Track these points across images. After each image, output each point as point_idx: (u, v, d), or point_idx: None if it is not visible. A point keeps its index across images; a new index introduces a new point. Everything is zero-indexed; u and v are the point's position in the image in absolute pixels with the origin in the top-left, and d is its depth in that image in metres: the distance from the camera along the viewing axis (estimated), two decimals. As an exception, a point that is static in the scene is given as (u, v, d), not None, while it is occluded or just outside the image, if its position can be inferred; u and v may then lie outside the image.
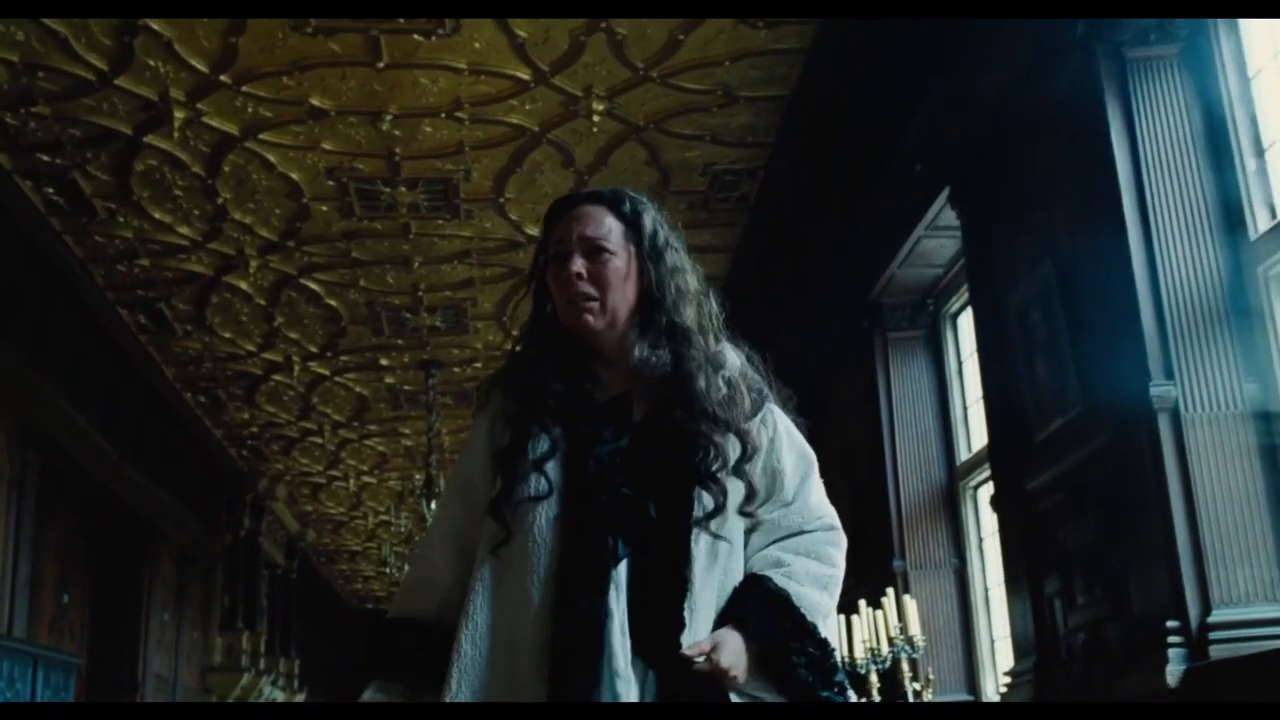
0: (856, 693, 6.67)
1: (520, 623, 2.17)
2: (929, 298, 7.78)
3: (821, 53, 7.18)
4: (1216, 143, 4.79)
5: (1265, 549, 4.38)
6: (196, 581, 15.41)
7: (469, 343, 11.29)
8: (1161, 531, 4.46)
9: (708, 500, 2.24)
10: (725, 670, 2.15)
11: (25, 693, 8.19)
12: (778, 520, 2.38)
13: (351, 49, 7.00)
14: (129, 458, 11.57)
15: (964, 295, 7.07)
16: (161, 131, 7.68)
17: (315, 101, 7.46)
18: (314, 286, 10.00)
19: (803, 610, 2.27)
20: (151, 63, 7.05)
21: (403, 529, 12.71)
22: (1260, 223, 4.63)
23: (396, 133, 7.79)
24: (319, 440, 14.38)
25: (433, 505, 11.40)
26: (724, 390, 2.31)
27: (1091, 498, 5.03)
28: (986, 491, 6.64)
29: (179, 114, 7.47)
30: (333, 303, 10.37)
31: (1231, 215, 4.71)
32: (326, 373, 12.06)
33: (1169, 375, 4.55)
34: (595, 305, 2.31)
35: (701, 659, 2.13)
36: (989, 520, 6.71)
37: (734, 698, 2.20)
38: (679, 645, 2.14)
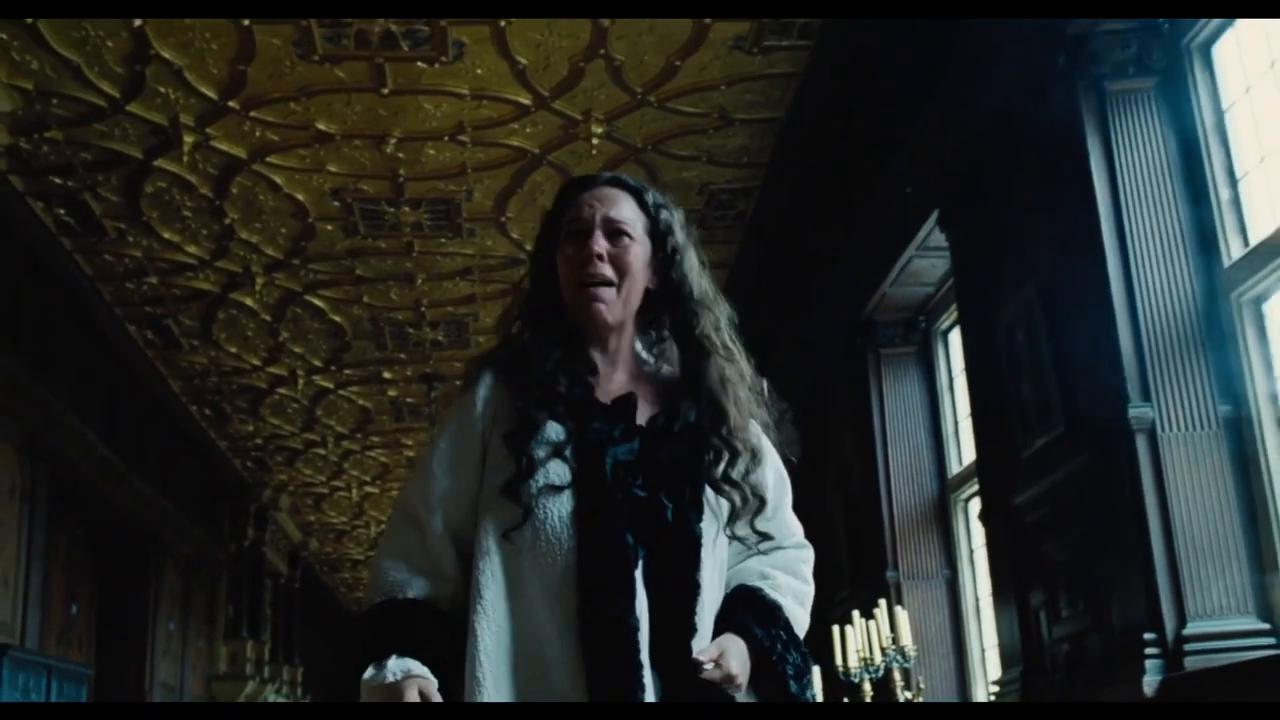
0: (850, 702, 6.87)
1: (545, 623, 2.10)
2: (921, 315, 7.96)
3: (814, 78, 7.37)
4: (1192, 172, 4.98)
5: (1238, 564, 4.57)
6: (201, 591, 15.59)
7: (470, 356, 11.49)
8: (1139, 546, 4.65)
9: (719, 506, 2.23)
10: (733, 677, 2.13)
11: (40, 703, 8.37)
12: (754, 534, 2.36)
13: (357, 76, 7.20)
14: (135, 469, 11.75)
15: (954, 313, 7.25)
16: (171, 155, 7.88)
17: (321, 126, 7.66)
18: (318, 303, 10.19)
19: (791, 622, 2.32)
20: (162, 90, 7.24)
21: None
22: (1234, 250, 4.82)
23: (400, 155, 7.99)
24: (322, 451, 14.58)
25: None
26: (738, 401, 2.29)
27: (1074, 513, 5.22)
28: (977, 504, 6.82)
29: (188, 138, 7.66)
30: (337, 318, 10.56)
31: (1206, 242, 4.90)
32: (330, 386, 12.26)
33: (1146, 396, 4.74)
34: (611, 293, 2.24)
35: (711, 665, 2.11)
36: (980, 532, 6.89)
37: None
38: (689, 650, 2.11)
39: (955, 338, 7.54)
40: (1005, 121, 5.75)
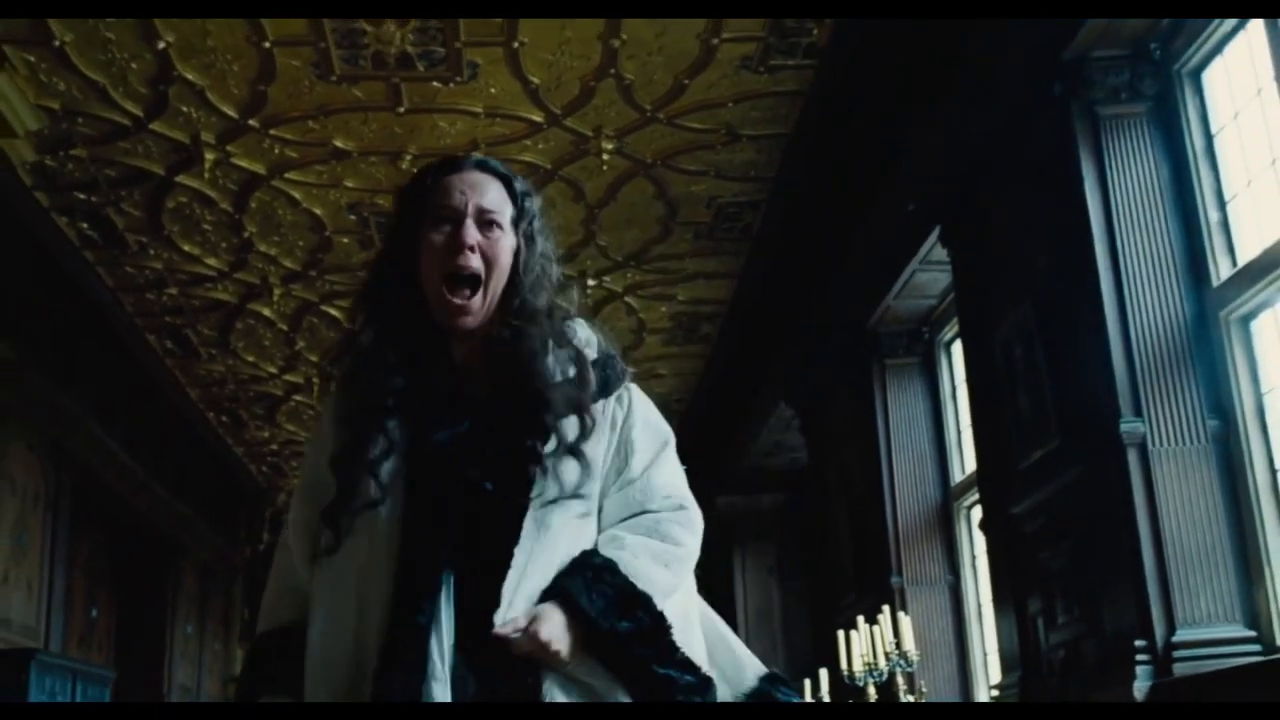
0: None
1: (359, 629, 2.04)
2: (924, 326, 8.15)
3: (819, 96, 7.54)
4: (1182, 194, 5.18)
5: (1226, 574, 4.76)
6: (218, 594, 15.81)
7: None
8: (1131, 556, 4.84)
9: (542, 479, 2.09)
10: (545, 644, 1.97)
11: (64, 706, 8.57)
12: (623, 499, 2.21)
13: (374, 95, 7.39)
14: (154, 476, 11.96)
15: (957, 325, 7.42)
16: (193, 171, 8.08)
17: (339, 143, 7.85)
18: (334, 313, 10.38)
19: (630, 578, 2.09)
20: (185, 109, 7.44)
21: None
22: (1222, 270, 5.01)
23: (415, 171, 8.15)
24: (337, 456, 14.76)
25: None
26: (567, 368, 2.17)
27: (1069, 523, 5.40)
28: (979, 512, 6.99)
29: (209, 155, 7.86)
30: (352, 328, 10.75)
31: (1196, 263, 5.09)
32: (345, 393, 12.44)
33: (1138, 411, 4.93)
34: (477, 300, 2.15)
35: (518, 635, 1.97)
36: (982, 539, 7.06)
37: (559, 693, 2.02)
38: (492, 625, 1.99)
39: (958, 349, 7.71)
40: (1003, 143, 5.93)
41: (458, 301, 2.13)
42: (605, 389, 2.21)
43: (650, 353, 11.69)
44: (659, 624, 2.06)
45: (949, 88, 6.34)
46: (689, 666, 2.07)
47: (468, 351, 2.18)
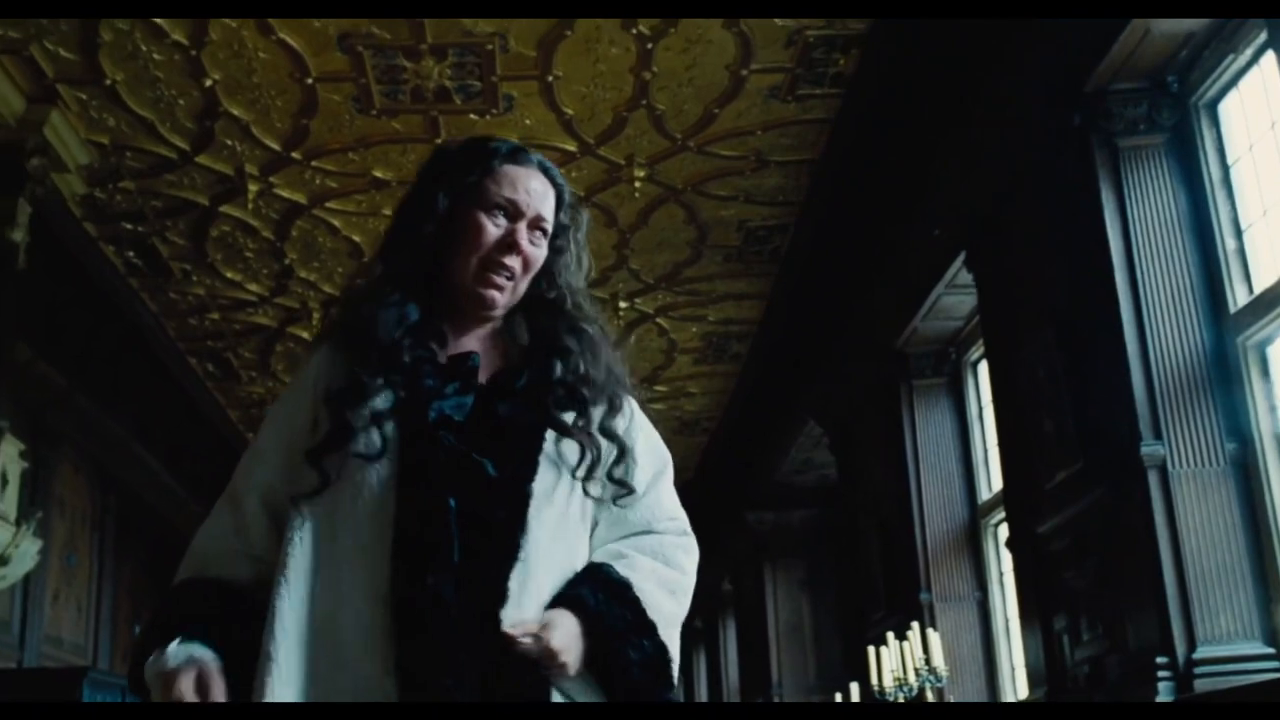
0: None
1: (354, 595, 1.92)
2: (951, 347, 8.32)
3: (846, 123, 7.71)
4: (1200, 223, 5.34)
5: (1245, 592, 4.91)
6: (255, 611, 16.00)
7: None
8: (1152, 575, 4.99)
9: (547, 471, 2.03)
10: (555, 653, 1.89)
11: (112, 722, 8.79)
12: (625, 515, 2.15)
13: (412, 128, 7.61)
14: (194, 495, 12.19)
15: (983, 346, 7.57)
16: (236, 202, 8.31)
17: (378, 173, 8.07)
18: (372, 336, 10.59)
19: (643, 604, 2.03)
20: (229, 142, 7.67)
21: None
22: (1239, 297, 5.17)
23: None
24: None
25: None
26: (587, 366, 2.12)
27: (1092, 543, 5.56)
28: (1006, 530, 7.13)
29: (252, 186, 8.09)
30: (389, 350, 10.97)
31: (1213, 289, 5.25)
32: (382, 412, 12.66)
33: (1158, 435, 5.09)
34: (509, 288, 2.11)
35: (529, 640, 1.88)
36: (1009, 556, 7.20)
37: (555, 698, 1.94)
38: (497, 621, 1.90)
39: (984, 369, 7.86)
40: (1026, 172, 6.09)
41: (493, 293, 2.10)
42: (610, 396, 2.15)
43: (681, 372, 11.88)
44: (662, 656, 2.02)
45: (972, 117, 6.52)
46: (673, 696, 2.05)
47: (464, 332, 2.14)
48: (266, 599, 1.95)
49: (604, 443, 2.09)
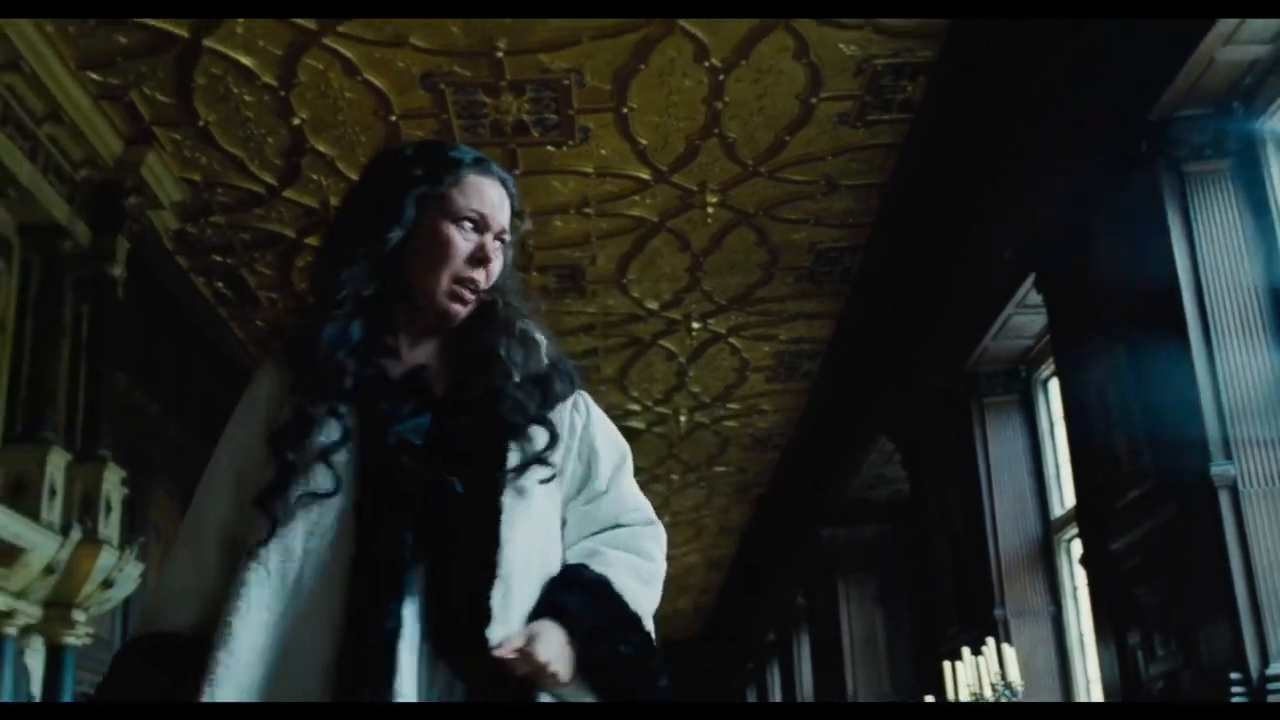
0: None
1: (302, 632, 1.86)
2: (1021, 365, 8.42)
3: (914, 147, 7.87)
4: (1267, 246, 5.43)
5: (1316, 608, 5.01)
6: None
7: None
8: (1224, 593, 5.10)
9: (512, 481, 1.99)
10: (544, 665, 1.86)
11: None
12: (591, 512, 2.14)
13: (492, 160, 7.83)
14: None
15: (1053, 364, 7.67)
16: (321, 233, 8.58)
17: (457, 204, 8.31)
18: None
19: (624, 599, 2.02)
20: (315, 177, 7.95)
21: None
22: (1308, 317, 5.27)
23: (530, 227, 8.57)
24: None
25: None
26: (532, 367, 2.09)
27: (1164, 561, 5.67)
28: (1079, 545, 7.22)
29: (337, 218, 8.35)
30: (468, 373, 11.23)
31: (1281, 311, 5.35)
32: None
33: (1228, 456, 5.20)
34: (475, 299, 2.07)
35: (516, 656, 1.85)
36: (1083, 571, 7.29)
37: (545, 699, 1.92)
38: (483, 640, 1.86)
39: (1055, 386, 7.96)
40: (1094, 196, 6.21)
41: (459, 306, 2.05)
42: (564, 395, 2.11)
43: (754, 390, 12.05)
44: (649, 647, 2.01)
45: (1041, 142, 6.65)
46: (667, 690, 2.01)
47: (420, 348, 2.09)
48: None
49: (546, 432, 2.05)
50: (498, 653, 1.83)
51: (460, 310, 2.05)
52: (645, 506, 2.20)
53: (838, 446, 12.25)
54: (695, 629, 23.77)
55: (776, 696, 19.46)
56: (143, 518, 8.75)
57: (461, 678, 1.86)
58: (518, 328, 2.10)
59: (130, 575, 7.28)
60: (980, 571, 8.28)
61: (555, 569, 2.02)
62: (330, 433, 1.93)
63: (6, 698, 6.48)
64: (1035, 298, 7.32)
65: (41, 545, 6.57)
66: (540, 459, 2.02)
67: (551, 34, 6.73)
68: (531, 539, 1.98)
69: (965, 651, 7.57)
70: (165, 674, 1.91)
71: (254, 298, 9.59)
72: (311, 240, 8.70)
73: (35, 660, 6.89)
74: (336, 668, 1.81)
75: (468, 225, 2.05)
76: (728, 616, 22.11)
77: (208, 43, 6.64)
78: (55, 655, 6.97)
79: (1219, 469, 5.17)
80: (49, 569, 6.68)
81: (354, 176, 7.87)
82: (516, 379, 2.04)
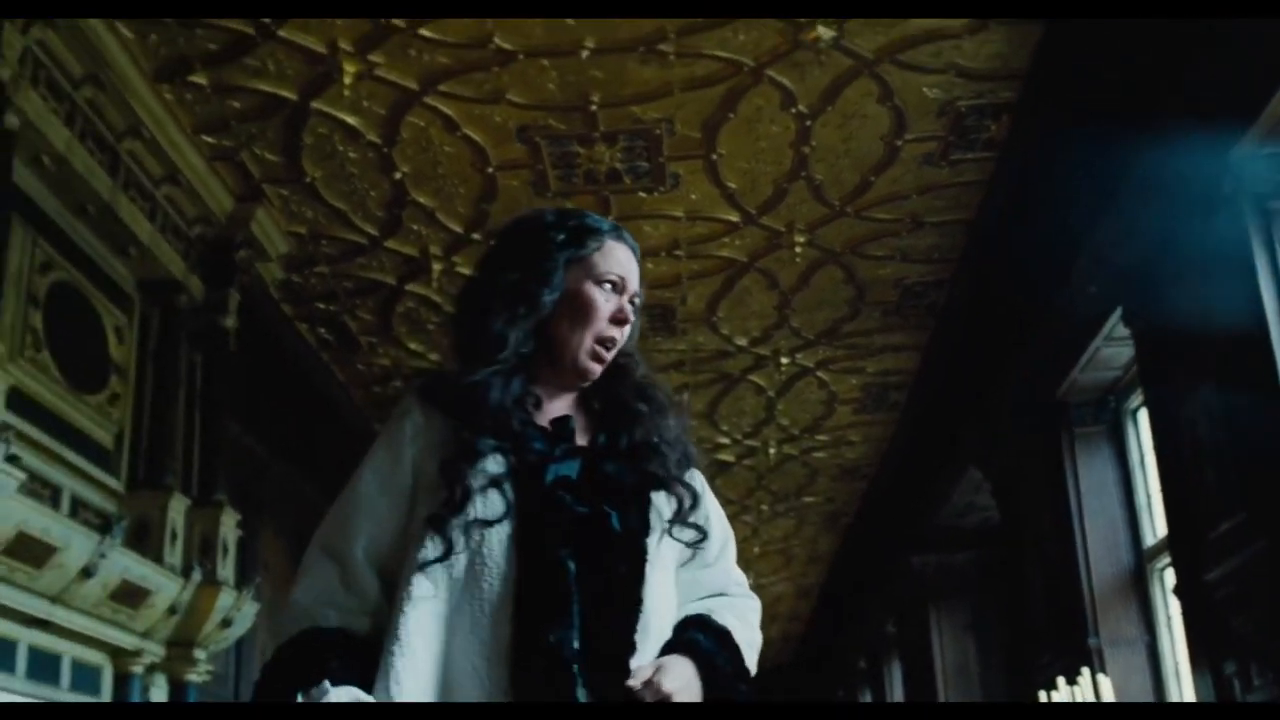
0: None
1: (472, 657, 1.97)
2: (1110, 395, 8.49)
3: (999, 184, 8.01)
4: (1354, 281, 5.53)
5: None
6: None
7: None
8: (1319, 624, 5.19)
9: (658, 521, 2.16)
10: (668, 695, 1.98)
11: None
12: (701, 578, 2.29)
13: (585, 207, 8.06)
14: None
15: (1143, 394, 7.74)
16: (420, 280, 8.89)
17: (552, 249, 8.57)
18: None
19: (742, 650, 2.20)
20: (415, 227, 8.25)
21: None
22: (1394, 351, 5.35)
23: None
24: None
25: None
26: (667, 429, 2.25)
27: (1259, 592, 5.75)
28: (1172, 575, 7.28)
29: (436, 266, 8.66)
30: (562, 411, 11.50)
31: (1370, 346, 5.43)
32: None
33: (1319, 488, 5.29)
34: (611, 357, 2.23)
35: (644, 688, 1.98)
36: (1176, 600, 7.34)
37: None
38: (627, 670, 1.99)
39: (1144, 416, 8.02)
40: (1179, 234, 6.31)
41: (597, 365, 2.21)
42: (695, 460, 2.30)
43: (841, 421, 12.20)
44: (753, 696, 2.16)
45: (1125, 180, 6.75)
46: None
47: (559, 400, 2.23)
48: (378, 653, 2.01)
49: (686, 493, 2.21)
50: (628, 683, 1.97)
51: (598, 369, 2.21)
52: (745, 582, 2.37)
53: (926, 475, 12.35)
54: (785, 657, 23.84)
55: (868, 724, 19.46)
56: (254, 557, 9.07)
57: (600, 698, 1.97)
58: (650, 391, 2.27)
59: (247, 614, 7.58)
60: (1073, 600, 8.34)
61: (674, 615, 2.17)
62: (496, 465, 2.07)
63: (135, 734, 6.79)
64: (1123, 330, 7.42)
65: (165, 587, 6.88)
66: (687, 520, 2.20)
67: (643, 86, 6.98)
68: (665, 582, 2.15)
69: (1060, 681, 7.66)
70: (343, 655, 2.01)
71: (355, 342, 9.91)
72: (411, 287, 9.01)
73: (159, 696, 7.19)
74: (512, 688, 1.94)
75: (608, 287, 2.21)
76: (817, 644, 22.17)
77: (315, 105, 6.95)
78: (178, 691, 7.27)
79: (1310, 502, 5.26)
80: (172, 609, 7.00)
81: (453, 225, 8.21)
82: (655, 434, 2.21)
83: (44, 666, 6.26)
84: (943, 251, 8.98)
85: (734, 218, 8.34)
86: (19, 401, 5.90)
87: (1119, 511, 8.36)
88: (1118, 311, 7.28)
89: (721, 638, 2.16)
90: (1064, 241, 7.70)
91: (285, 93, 6.85)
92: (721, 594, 2.30)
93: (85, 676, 6.61)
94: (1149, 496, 8.17)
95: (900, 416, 12.17)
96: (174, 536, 7.08)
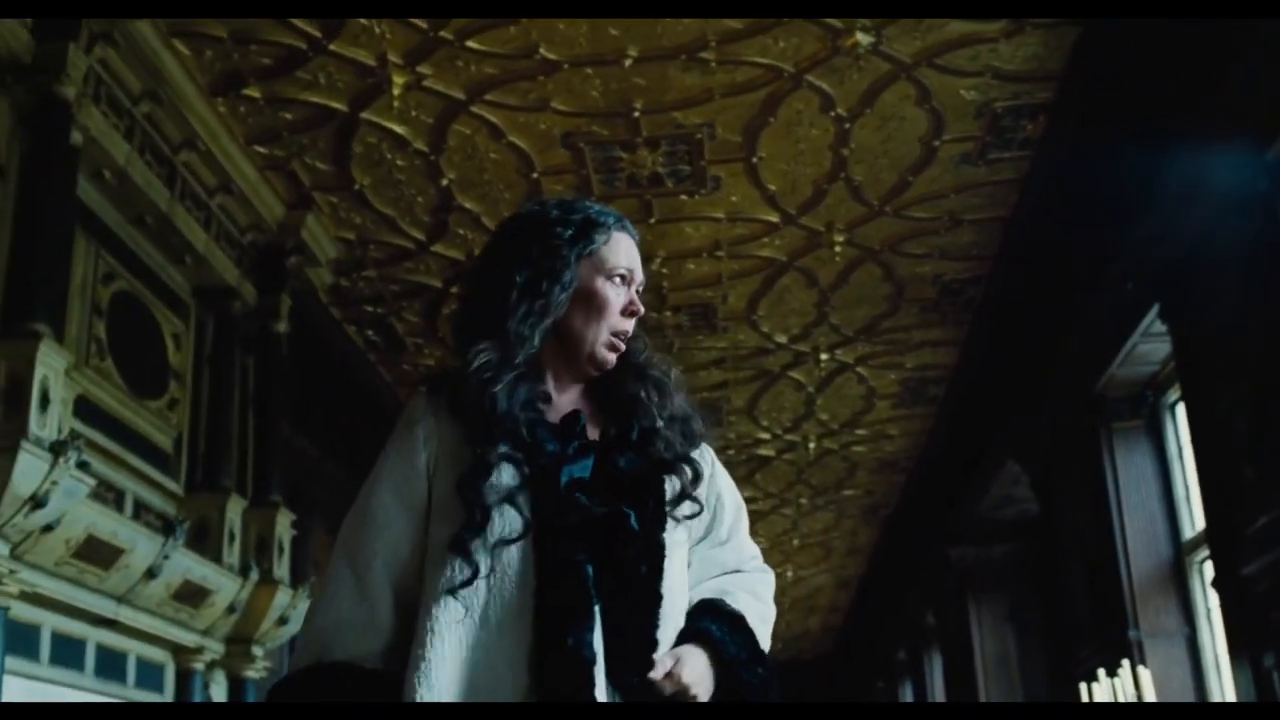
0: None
1: (494, 663, 1.98)
2: (1148, 389, 8.58)
3: (1035, 182, 8.11)
4: (1388, 280, 5.62)
5: None
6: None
7: (723, 434, 12.40)
8: (1356, 618, 5.29)
9: (680, 513, 2.18)
10: (687, 686, 2.03)
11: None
12: (715, 556, 2.29)
13: (627, 210, 8.16)
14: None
15: (1180, 389, 7.82)
16: (466, 287, 9.03)
17: (594, 251, 8.72)
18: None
19: (755, 635, 2.20)
20: (461, 231, 8.41)
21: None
22: None
23: (664, 271, 9.00)
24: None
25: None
26: (671, 408, 2.24)
27: (1296, 586, 5.86)
28: (1211, 568, 7.37)
29: (482, 268, 8.81)
30: (603, 408, 11.67)
31: (1404, 343, 5.53)
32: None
33: (1355, 484, 5.39)
34: (623, 348, 2.24)
35: (665, 680, 2.03)
36: (1215, 593, 7.42)
37: None
38: (650, 665, 2.03)
39: (1182, 410, 8.10)
40: (1215, 234, 6.42)
41: (612, 355, 2.21)
42: (701, 433, 2.29)
43: (880, 416, 12.32)
44: (771, 678, 2.16)
45: (1161, 179, 6.84)
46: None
47: (569, 393, 2.23)
48: (394, 668, 2.01)
49: (688, 471, 2.20)
50: (650, 675, 2.01)
51: (613, 359, 2.21)
52: (759, 555, 2.37)
53: (965, 468, 12.44)
54: (825, 648, 23.95)
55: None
56: (305, 555, 9.25)
57: (621, 694, 2.00)
58: (652, 372, 2.27)
59: (302, 612, 7.76)
60: (1113, 593, 8.43)
61: (686, 599, 2.19)
62: (510, 477, 2.05)
63: (197, 729, 7.00)
64: (1160, 326, 7.51)
65: (225, 586, 7.07)
66: (689, 495, 2.19)
67: (685, 92, 7.12)
68: (680, 568, 2.17)
69: (1100, 673, 7.75)
70: (358, 693, 2.00)
71: (401, 343, 10.10)
72: (458, 289, 9.17)
73: (219, 692, 7.39)
74: (535, 691, 1.95)
75: (618, 280, 2.22)
76: (858, 635, 22.26)
77: (365, 115, 7.12)
78: (236, 687, 7.47)
79: (1347, 498, 5.36)
80: (231, 608, 7.19)
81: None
82: (661, 421, 2.21)
83: (111, 664, 6.47)
84: (980, 248, 9.09)
85: (774, 218, 8.48)
86: (85, 408, 6.09)
87: (1157, 505, 8.44)
88: (1155, 308, 7.38)
89: (734, 623, 2.17)
90: (1101, 239, 7.79)
91: (336, 104, 7.03)
92: (736, 570, 2.31)
93: (149, 674, 6.81)
94: (1188, 490, 8.25)
95: (938, 411, 12.28)
96: (232, 537, 7.27)
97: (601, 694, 1.96)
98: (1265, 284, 5.96)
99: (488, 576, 2.00)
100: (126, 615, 6.41)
